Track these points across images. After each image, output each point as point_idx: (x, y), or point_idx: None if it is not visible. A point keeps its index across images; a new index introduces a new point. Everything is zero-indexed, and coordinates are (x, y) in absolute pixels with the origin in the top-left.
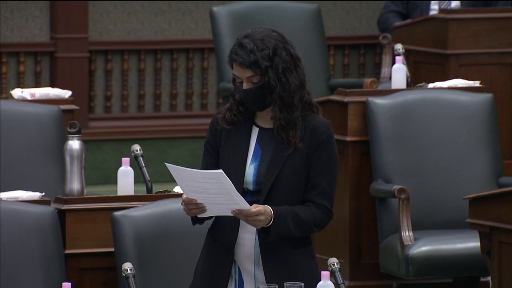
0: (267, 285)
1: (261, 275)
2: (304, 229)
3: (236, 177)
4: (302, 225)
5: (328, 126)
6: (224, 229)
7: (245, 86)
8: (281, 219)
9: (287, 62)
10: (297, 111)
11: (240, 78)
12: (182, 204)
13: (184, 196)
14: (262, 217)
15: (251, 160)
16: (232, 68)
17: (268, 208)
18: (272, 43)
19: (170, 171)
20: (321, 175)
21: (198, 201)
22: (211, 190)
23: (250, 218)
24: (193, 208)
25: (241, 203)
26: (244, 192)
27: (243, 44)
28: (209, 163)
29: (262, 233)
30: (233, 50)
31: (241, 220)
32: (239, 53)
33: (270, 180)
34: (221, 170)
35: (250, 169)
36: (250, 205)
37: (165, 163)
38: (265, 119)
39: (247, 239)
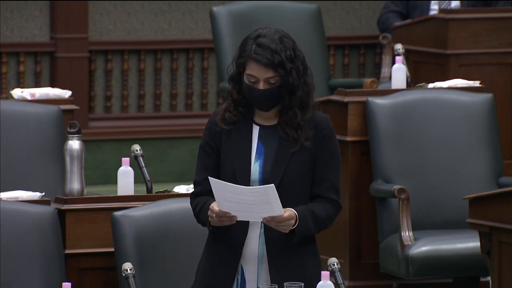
0: (267, 285)
1: (265, 274)
2: (320, 226)
3: (242, 175)
4: (319, 223)
5: (328, 120)
6: (233, 230)
7: (262, 86)
8: (304, 221)
9: (304, 63)
10: (309, 112)
11: (256, 78)
12: (211, 215)
13: (216, 209)
14: (292, 221)
15: (255, 158)
16: (238, 68)
17: (292, 211)
18: (291, 44)
19: (211, 184)
20: (328, 169)
21: (232, 214)
22: (252, 201)
23: (281, 223)
24: (225, 220)
25: (278, 211)
26: None
27: (263, 44)
28: (207, 164)
29: (286, 235)
30: (251, 50)
31: (249, 221)
32: (261, 53)
33: (278, 177)
34: (272, 184)
35: (255, 167)
36: None
37: (209, 177)
38: (264, 117)
39: (252, 238)
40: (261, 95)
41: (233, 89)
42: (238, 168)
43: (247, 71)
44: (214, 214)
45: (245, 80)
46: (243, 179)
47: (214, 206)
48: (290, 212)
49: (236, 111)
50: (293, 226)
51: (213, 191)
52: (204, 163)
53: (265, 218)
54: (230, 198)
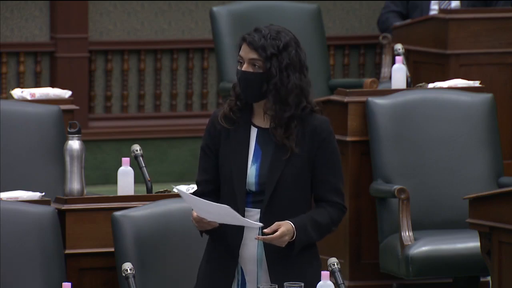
0: (267, 285)
1: (264, 275)
2: (324, 233)
3: (238, 178)
4: (322, 229)
5: (327, 122)
6: (229, 231)
7: (245, 67)
8: (303, 231)
9: (293, 62)
10: (289, 111)
11: (243, 60)
12: (192, 221)
13: (194, 214)
14: (286, 237)
15: (252, 161)
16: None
17: (289, 224)
18: (287, 39)
19: (182, 196)
20: (329, 172)
21: (209, 220)
22: (220, 213)
23: (274, 241)
24: (204, 225)
25: (250, 224)
26: (246, 193)
27: (258, 29)
28: (208, 166)
29: (286, 247)
30: (247, 32)
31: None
32: (252, 34)
33: (274, 181)
34: (227, 206)
35: (251, 170)
36: (254, 207)
37: (178, 190)
38: (263, 119)
39: (250, 240)
40: (242, 76)
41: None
42: (234, 170)
43: (239, 52)
44: (193, 220)
45: (238, 62)
46: (239, 181)
47: (194, 212)
48: (283, 228)
49: (236, 107)
50: (291, 239)
51: (186, 202)
52: (204, 165)
53: (257, 237)
54: (201, 208)
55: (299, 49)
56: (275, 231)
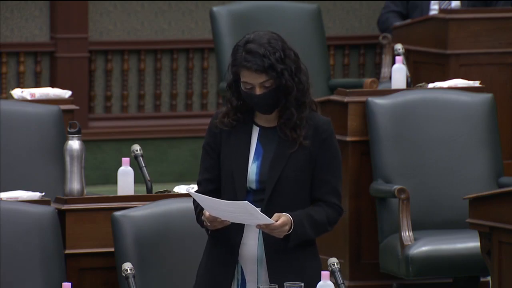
0: (267, 285)
1: (264, 275)
2: (320, 230)
3: (239, 176)
4: (318, 227)
5: (329, 123)
6: (229, 230)
7: (258, 91)
8: (300, 225)
9: (295, 62)
10: (306, 110)
11: (251, 84)
12: (203, 219)
13: (207, 214)
14: (286, 227)
15: (253, 159)
16: (234, 75)
17: (287, 216)
18: (280, 44)
19: (195, 198)
20: (328, 173)
21: (222, 219)
22: (235, 211)
23: (274, 230)
24: (216, 224)
25: (265, 221)
26: (246, 191)
27: (252, 50)
28: (209, 165)
29: (282, 240)
30: (241, 58)
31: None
32: (251, 60)
33: (274, 178)
34: (246, 201)
35: (252, 168)
36: (255, 205)
37: (190, 192)
38: (265, 118)
39: (251, 239)
40: (259, 100)
41: (231, 96)
42: (235, 168)
43: (242, 79)
44: (205, 219)
45: (242, 87)
46: (240, 179)
47: (205, 211)
48: (284, 218)
49: (235, 116)
50: (288, 231)
51: (199, 203)
52: (205, 164)
53: (259, 225)
54: (215, 207)
55: (286, 43)
56: (276, 221)
